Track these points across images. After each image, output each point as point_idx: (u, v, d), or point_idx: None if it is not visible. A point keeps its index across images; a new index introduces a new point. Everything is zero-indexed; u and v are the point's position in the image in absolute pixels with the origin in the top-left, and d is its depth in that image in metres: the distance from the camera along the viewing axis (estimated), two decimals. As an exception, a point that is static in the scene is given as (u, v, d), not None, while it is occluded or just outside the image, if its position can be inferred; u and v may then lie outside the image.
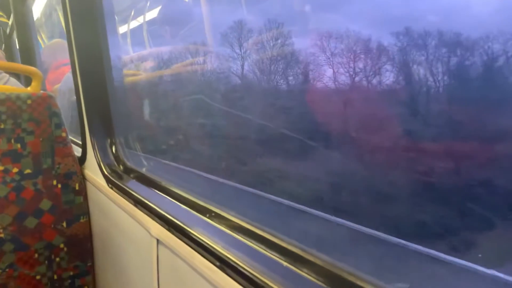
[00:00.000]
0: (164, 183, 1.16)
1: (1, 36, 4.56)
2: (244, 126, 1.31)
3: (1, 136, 1.50)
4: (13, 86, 2.13)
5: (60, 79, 2.57)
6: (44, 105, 1.58)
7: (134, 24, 5.19)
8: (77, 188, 1.61)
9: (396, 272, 0.75)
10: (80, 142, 1.67)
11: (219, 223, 0.88)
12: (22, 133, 1.54)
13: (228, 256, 0.74)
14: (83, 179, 1.63)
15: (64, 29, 1.62)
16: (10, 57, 4.05)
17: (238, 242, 0.79)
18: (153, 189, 1.17)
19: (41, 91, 1.62)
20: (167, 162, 1.55)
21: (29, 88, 1.65)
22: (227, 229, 0.84)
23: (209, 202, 0.96)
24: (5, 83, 2.23)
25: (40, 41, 4.58)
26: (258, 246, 0.76)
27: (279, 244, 0.74)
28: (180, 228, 0.91)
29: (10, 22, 3.64)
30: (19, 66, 1.71)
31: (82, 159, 1.63)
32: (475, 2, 0.72)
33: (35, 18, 3.69)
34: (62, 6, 1.57)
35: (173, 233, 0.93)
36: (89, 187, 1.61)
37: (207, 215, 0.92)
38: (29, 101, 1.56)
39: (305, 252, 0.71)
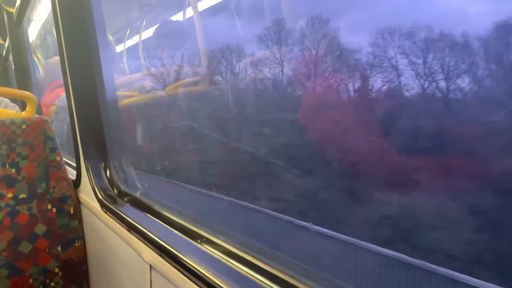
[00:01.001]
0: (156, 208, 1.17)
1: (-2, 58, 4.59)
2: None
3: None
4: (11, 110, 2.15)
5: (54, 100, 2.59)
6: (38, 129, 1.59)
7: (130, 43, 5.24)
8: (71, 212, 1.61)
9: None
10: (75, 165, 1.67)
11: (211, 249, 0.88)
12: (17, 158, 1.55)
13: (219, 283, 0.74)
14: (78, 203, 1.64)
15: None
16: (6, 78, 4.08)
17: (229, 268, 0.80)
18: (146, 213, 1.18)
19: (36, 116, 1.63)
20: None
21: (23, 113, 1.66)
22: (218, 255, 0.85)
23: (201, 227, 0.97)
24: (4, 107, 2.25)
25: (36, 61, 4.61)
26: (249, 273, 0.76)
27: (270, 271, 0.75)
28: (172, 254, 0.91)
29: (6, 45, 3.67)
30: (13, 91, 1.73)
31: (77, 182, 1.64)
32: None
33: (31, 40, 3.73)
34: (56, 31, 1.59)
35: (165, 259, 0.94)
36: (84, 210, 1.61)
37: (199, 241, 0.92)
38: (23, 126, 1.57)
39: (297, 280, 0.71)
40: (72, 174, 1.70)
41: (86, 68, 1.53)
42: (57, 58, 2.93)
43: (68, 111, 1.61)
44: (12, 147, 1.54)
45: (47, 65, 3.14)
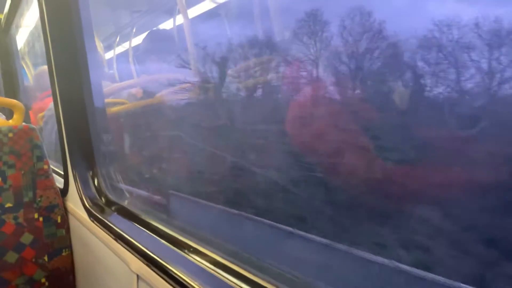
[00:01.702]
0: (144, 217, 1.16)
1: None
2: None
3: None
4: (-3, 117, 2.13)
5: (43, 109, 2.57)
6: (25, 138, 1.58)
7: (119, 49, 5.23)
8: (59, 221, 1.59)
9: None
10: (62, 173, 1.66)
11: (198, 259, 0.88)
12: (3, 167, 1.53)
13: (206, 294, 0.74)
14: (65, 212, 1.62)
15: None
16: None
17: (216, 279, 0.79)
18: (134, 222, 1.17)
19: (23, 124, 1.62)
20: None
21: (10, 121, 1.65)
22: (205, 265, 0.85)
23: (188, 237, 0.96)
24: None
25: (25, 67, 4.58)
26: (236, 283, 0.76)
27: (257, 281, 0.75)
28: (159, 264, 0.91)
29: (-7, 51, 3.64)
30: (0, 99, 1.71)
31: (64, 191, 1.63)
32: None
33: (19, 46, 3.71)
34: (44, 38, 1.58)
35: (152, 269, 0.93)
36: (71, 219, 1.60)
37: (186, 251, 0.92)
38: (10, 134, 1.55)
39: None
40: (60, 182, 1.68)
41: (74, 76, 1.52)
42: (44, 68, 2.92)
43: (56, 119, 1.60)
44: None
45: (37, 74, 3.12)
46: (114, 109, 1.97)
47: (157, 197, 1.43)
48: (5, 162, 1.53)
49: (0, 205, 1.51)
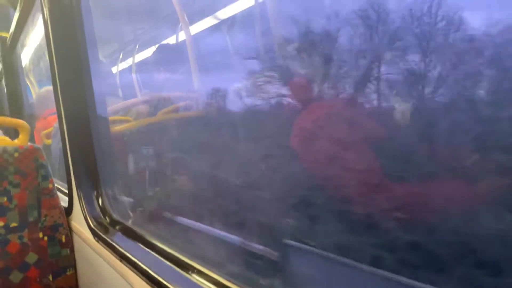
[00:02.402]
0: (148, 237, 1.17)
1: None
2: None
3: None
4: (1, 136, 2.15)
5: (47, 127, 2.60)
6: (31, 158, 1.59)
7: (123, 65, 5.29)
8: (63, 240, 1.60)
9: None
10: (67, 191, 1.67)
11: (202, 280, 0.89)
12: (9, 186, 1.55)
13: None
14: (69, 231, 1.63)
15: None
16: (-1, 103, 4.08)
17: (220, 301, 0.80)
18: (138, 243, 1.18)
19: (28, 144, 1.64)
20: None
21: (16, 141, 1.67)
22: (208, 286, 0.86)
23: (192, 258, 0.97)
24: None
25: (29, 84, 4.63)
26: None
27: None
28: (163, 285, 0.91)
29: (-1, 70, 3.68)
30: (6, 119, 1.73)
31: (69, 210, 1.64)
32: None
33: (24, 64, 3.75)
34: (49, 59, 1.61)
35: None
36: (76, 238, 1.61)
37: (190, 272, 0.93)
38: (16, 154, 1.57)
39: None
40: (64, 200, 1.70)
41: (79, 95, 1.54)
42: (47, 88, 2.96)
43: (61, 138, 1.62)
44: (4, 175, 1.54)
45: (41, 93, 3.16)
46: (119, 127, 1.99)
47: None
48: (10, 182, 1.55)
49: (5, 225, 1.52)
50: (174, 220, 1.44)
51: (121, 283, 1.15)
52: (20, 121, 1.68)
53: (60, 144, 2.29)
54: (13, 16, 2.58)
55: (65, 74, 1.56)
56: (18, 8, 2.32)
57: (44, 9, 1.57)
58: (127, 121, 2.24)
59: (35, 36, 3.44)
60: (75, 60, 1.53)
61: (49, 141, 2.59)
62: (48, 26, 1.56)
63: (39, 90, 3.72)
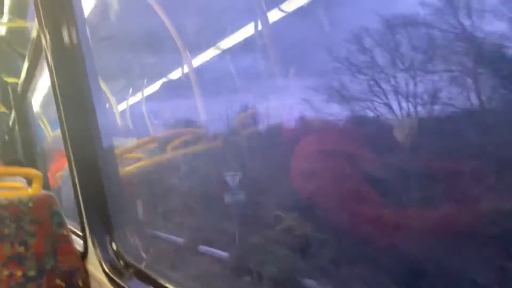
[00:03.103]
0: (161, 281, 1.18)
1: (4, 127, 4.72)
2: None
3: (5, 240, 1.54)
4: (19, 183, 2.20)
5: (61, 168, 2.65)
6: (45, 206, 1.63)
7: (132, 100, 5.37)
8: (81, 285, 1.62)
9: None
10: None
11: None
12: (26, 236, 1.58)
13: None
14: (86, 275, 1.65)
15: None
16: (13, 147, 4.17)
17: None
18: (152, 287, 1.19)
19: (42, 192, 1.67)
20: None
21: (30, 190, 1.71)
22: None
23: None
24: (13, 180, 2.31)
25: (42, 126, 4.73)
26: None
27: None
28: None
29: (12, 115, 3.78)
30: (19, 170, 1.78)
31: (85, 254, 1.66)
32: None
33: (37, 107, 3.85)
34: (55, 101, 1.65)
35: None
36: (93, 283, 1.62)
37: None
38: (30, 204, 1.61)
39: None
40: (79, 244, 1.72)
41: (87, 141, 1.57)
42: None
43: (72, 184, 1.66)
44: (20, 225, 1.57)
45: (55, 136, 3.23)
46: (129, 168, 2.02)
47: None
48: (27, 231, 1.58)
49: (23, 274, 1.54)
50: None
51: None
52: (33, 171, 1.72)
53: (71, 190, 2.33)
54: (22, 64, 2.67)
55: (71, 118, 1.59)
56: (27, 58, 2.40)
57: (48, 56, 1.62)
58: (138, 158, 2.27)
59: (46, 82, 3.54)
60: (80, 104, 1.56)
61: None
62: (52, 73, 1.61)
63: (53, 133, 3.80)
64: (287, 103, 1.27)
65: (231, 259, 1.42)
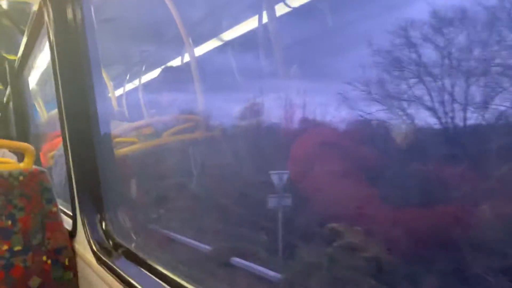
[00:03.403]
0: (150, 262, 1.17)
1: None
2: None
3: None
4: (8, 158, 2.17)
5: (53, 149, 2.62)
6: (35, 181, 1.60)
7: (129, 86, 5.34)
8: (67, 263, 1.60)
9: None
10: (71, 213, 1.68)
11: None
12: (13, 210, 1.56)
13: None
14: (73, 254, 1.63)
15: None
16: (5, 125, 4.13)
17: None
18: (141, 268, 1.18)
19: (33, 167, 1.65)
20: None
21: (21, 164, 1.68)
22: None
23: (194, 284, 0.97)
24: (2, 155, 2.28)
25: (37, 106, 4.69)
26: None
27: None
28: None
29: (7, 92, 3.74)
30: (12, 143, 1.75)
31: (73, 233, 1.64)
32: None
33: (31, 86, 3.80)
34: (54, 78, 1.63)
35: None
36: (79, 262, 1.61)
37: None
38: (21, 178, 1.58)
39: None
40: (68, 223, 1.70)
41: (84, 119, 1.56)
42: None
43: (65, 162, 1.64)
44: (9, 199, 1.55)
45: (50, 116, 3.20)
46: (124, 150, 2.00)
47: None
48: (15, 206, 1.56)
49: (9, 248, 1.52)
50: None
51: None
52: (25, 145, 1.70)
53: (62, 171, 2.31)
54: (21, 40, 2.63)
55: (70, 97, 1.58)
56: (26, 33, 2.37)
57: (50, 32, 1.60)
58: (133, 142, 2.26)
59: (43, 60, 3.50)
60: (80, 83, 1.55)
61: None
62: (53, 49, 1.59)
63: (49, 112, 3.76)
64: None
65: (282, 281, 1.17)
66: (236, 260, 1.25)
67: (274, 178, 1.17)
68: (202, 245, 1.42)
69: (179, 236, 1.58)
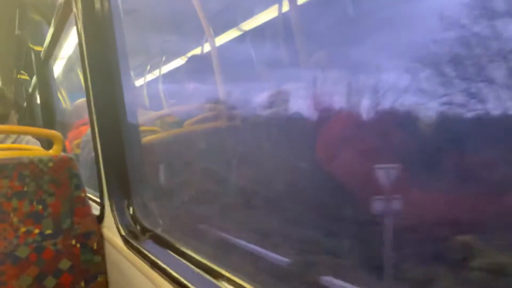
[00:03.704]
0: (178, 245, 1.20)
1: (23, 93, 4.78)
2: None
3: (24, 198, 1.58)
4: (33, 145, 2.23)
5: (79, 137, 2.68)
6: (64, 167, 1.65)
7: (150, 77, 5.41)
8: (95, 247, 1.65)
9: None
10: (99, 200, 1.73)
11: (231, 288, 0.91)
12: (44, 195, 1.61)
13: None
14: (101, 238, 1.68)
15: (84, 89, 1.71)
16: (31, 113, 4.23)
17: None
18: (168, 250, 1.21)
19: (62, 154, 1.70)
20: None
21: (50, 151, 1.73)
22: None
23: (221, 265, 1.00)
24: (26, 143, 2.34)
25: (60, 96, 4.79)
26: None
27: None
28: (194, 293, 0.94)
29: (32, 82, 3.83)
30: (41, 130, 1.81)
31: (100, 218, 1.69)
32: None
33: (55, 76, 3.89)
34: (82, 71, 1.67)
35: None
36: (107, 246, 1.66)
37: (219, 279, 0.95)
38: (50, 164, 1.63)
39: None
40: (95, 208, 1.75)
41: (111, 106, 1.59)
42: (82, 100, 3.06)
43: (93, 148, 1.68)
44: (40, 185, 1.61)
45: (76, 104, 3.27)
46: (150, 137, 2.04)
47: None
48: (45, 191, 1.61)
49: (40, 232, 1.58)
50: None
51: None
52: (54, 132, 1.75)
53: (88, 156, 2.36)
54: (47, 31, 2.69)
55: (98, 85, 1.62)
56: (52, 23, 2.42)
57: (78, 23, 1.64)
58: (155, 131, 2.30)
59: (67, 50, 3.57)
60: (107, 71, 1.58)
61: (79, 151, 2.68)
62: (82, 39, 1.63)
63: (73, 102, 3.84)
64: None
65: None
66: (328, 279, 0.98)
67: (381, 174, 0.91)
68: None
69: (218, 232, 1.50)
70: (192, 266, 1.07)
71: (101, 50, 1.59)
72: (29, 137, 2.37)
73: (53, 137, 1.74)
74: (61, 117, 3.59)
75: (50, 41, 2.65)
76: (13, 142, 2.16)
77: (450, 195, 0.78)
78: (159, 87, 4.76)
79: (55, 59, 3.47)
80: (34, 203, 1.59)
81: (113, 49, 1.59)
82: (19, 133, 2.00)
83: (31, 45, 3.22)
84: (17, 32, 3.29)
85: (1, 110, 2.16)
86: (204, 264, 1.05)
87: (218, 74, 2.53)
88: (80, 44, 1.66)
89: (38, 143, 2.49)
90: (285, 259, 1.04)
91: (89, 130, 2.38)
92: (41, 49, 3.10)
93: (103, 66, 1.60)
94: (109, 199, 1.57)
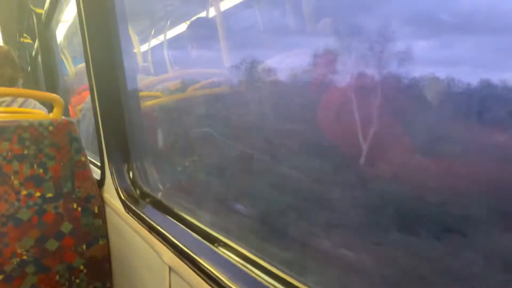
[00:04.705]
0: (176, 210, 1.20)
1: (27, 57, 4.74)
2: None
3: (24, 161, 1.57)
4: (40, 110, 2.22)
5: (81, 102, 2.66)
6: (64, 131, 1.64)
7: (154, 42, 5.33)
8: (96, 211, 1.66)
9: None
10: (99, 164, 1.72)
11: (227, 253, 0.91)
12: (44, 158, 1.61)
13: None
14: (102, 202, 1.69)
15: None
16: (35, 78, 4.20)
17: (244, 273, 0.82)
18: (167, 215, 1.21)
19: (62, 118, 1.68)
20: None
21: (51, 115, 1.72)
22: (234, 259, 0.87)
23: (218, 231, 0.99)
24: (33, 107, 2.33)
25: (64, 60, 4.75)
26: (263, 278, 0.78)
27: (284, 278, 0.77)
28: (190, 257, 0.94)
29: (35, 46, 3.78)
30: (41, 94, 1.79)
31: (101, 182, 1.69)
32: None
33: (58, 40, 3.84)
34: (81, 35, 1.63)
35: (183, 261, 0.96)
36: (108, 210, 1.66)
37: (215, 244, 0.95)
38: (50, 128, 1.62)
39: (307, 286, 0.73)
40: (96, 173, 1.75)
41: (110, 71, 1.56)
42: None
43: (93, 114, 1.66)
44: (40, 148, 1.60)
45: (78, 69, 3.23)
46: (149, 103, 2.01)
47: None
48: (46, 154, 1.61)
49: (41, 195, 1.58)
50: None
51: (150, 253, 1.19)
52: (55, 96, 1.72)
53: (89, 122, 2.35)
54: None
55: (97, 50, 1.59)
56: (52, -16, 2.36)
57: None
58: (157, 96, 2.27)
59: (70, 13, 3.51)
60: (107, 36, 1.55)
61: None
62: (80, 3, 1.59)
63: (77, 66, 3.80)
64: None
65: None
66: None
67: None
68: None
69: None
70: (190, 232, 1.06)
71: (99, 15, 1.55)
72: (36, 103, 2.36)
73: (53, 101, 1.72)
74: (65, 82, 3.57)
75: (51, 3, 2.60)
76: (19, 106, 2.14)
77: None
78: (164, 53, 4.70)
79: (58, 22, 3.41)
80: (35, 166, 1.59)
81: (112, 13, 1.55)
82: (18, 96, 1.98)
83: (32, 7, 3.16)
84: (18, -7, 3.23)
85: (10, 73, 2.12)
86: (201, 230, 1.04)
87: (223, 40, 2.48)
88: (78, 8, 1.62)
89: (45, 109, 2.48)
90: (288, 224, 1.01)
91: (89, 97, 2.36)
92: (42, 12, 3.04)
93: (102, 32, 1.56)
94: (109, 163, 1.56)
